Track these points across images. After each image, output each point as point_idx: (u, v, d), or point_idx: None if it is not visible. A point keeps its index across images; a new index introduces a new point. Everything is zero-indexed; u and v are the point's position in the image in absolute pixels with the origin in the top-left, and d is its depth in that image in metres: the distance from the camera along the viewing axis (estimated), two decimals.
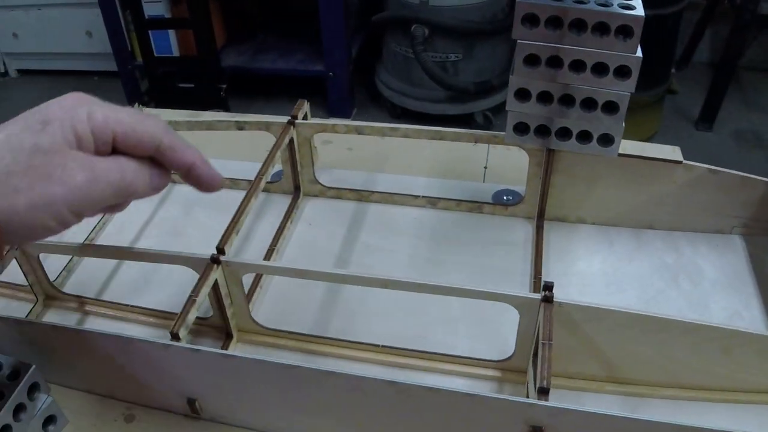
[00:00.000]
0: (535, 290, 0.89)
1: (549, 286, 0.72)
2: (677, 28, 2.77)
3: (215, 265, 0.80)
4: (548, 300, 0.72)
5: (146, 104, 3.58)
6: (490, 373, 0.82)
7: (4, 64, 4.25)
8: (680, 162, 0.90)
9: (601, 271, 0.93)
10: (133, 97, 3.72)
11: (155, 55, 3.29)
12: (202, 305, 0.81)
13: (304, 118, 1.04)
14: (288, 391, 0.73)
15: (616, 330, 0.74)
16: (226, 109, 3.33)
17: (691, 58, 3.39)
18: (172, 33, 3.27)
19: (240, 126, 1.03)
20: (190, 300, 0.77)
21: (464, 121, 3.20)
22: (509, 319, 0.76)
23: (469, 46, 2.97)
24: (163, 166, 0.68)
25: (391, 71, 3.26)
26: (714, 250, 0.95)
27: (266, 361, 0.70)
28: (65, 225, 0.60)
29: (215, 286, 0.81)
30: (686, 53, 3.37)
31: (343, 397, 0.71)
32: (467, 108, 3.13)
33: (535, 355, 0.72)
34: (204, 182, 0.70)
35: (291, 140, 1.00)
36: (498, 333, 0.85)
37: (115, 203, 0.64)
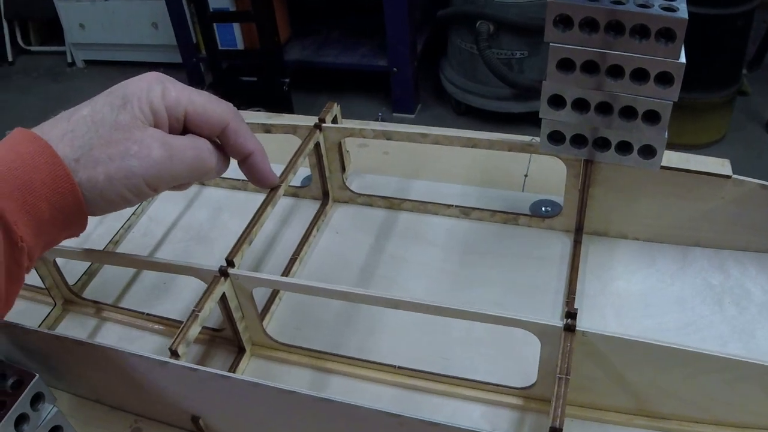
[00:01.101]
0: (568, 311, 0.84)
1: (572, 314, 0.66)
2: (748, 27, 2.66)
3: (223, 278, 0.76)
4: (570, 329, 0.66)
5: None
6: (512, 401, 0.77)
7: (72, 54, 4.31)
8: (729, 177, 0.84)
9: (641, 292, 0.87)
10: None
11: (219, 47, 3.30)
12: (217, 316, 0.78)
13: (334, 120, 0.99)
14: (288, 414, 0.69)
15: (645, 362, 0.68)
16: (289, 104, 3.32)
17: (764, 58, 3.27)
18: (236, 26, 3.27)
19: (267, 129, 0.99)
20: (193, 315, 0.73)
21: (529, 119, 3.14)
22: (534, 343, 0.70)
23: (535, 44, 2.91)
24: (224, 151, 0.72)
25: (456, 68, 3.22)
26: (764, 271, 0.88)
27: (262, 384, 0.65)
28: (141, 197, 0.64)
29: (223, 299, 0.78)
30: (758, 54, 3.25)
31: (341, 424, 0.66)
32: (532, 106, 3.07)
33: None
34: (258, 175, 0.76)
35: (317, 144, 0.96)
36: (522, 357, 0.80)
37: (187, 181, 0.69)
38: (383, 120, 3.28)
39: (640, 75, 0.74)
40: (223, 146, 0.73)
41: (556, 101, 0.80)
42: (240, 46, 3.33)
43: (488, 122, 3.17)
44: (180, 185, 0.73)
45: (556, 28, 0.74)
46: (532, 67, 2.98)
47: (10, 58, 4.49)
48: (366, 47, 3.45)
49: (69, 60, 4.36)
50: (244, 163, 0.75)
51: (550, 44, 0.76)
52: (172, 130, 0.67)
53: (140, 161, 0.62)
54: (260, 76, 3.31)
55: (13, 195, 0.56)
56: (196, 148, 0.67)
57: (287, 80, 3.30)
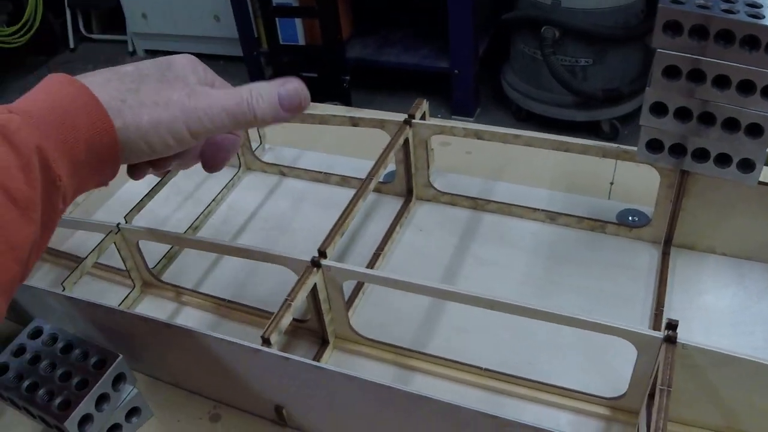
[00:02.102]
0: (656, 324, 0.82)
1: (673, 325, 0.65)
2: None
3: (315, 269, 0.76)
4: (671, 340, 0.65)
5: None
6: (599, 410, 0.76)
7: (133, 43, 4.34)
8: None
9: (729, 308, 0.85)
10: None
11: (281, 42, 3.30)
12: (301, 307, 0.78)
13: (422, 118, 0.98)
14: (378, 410, 0.69)
15: (742, 379, 0.67)
16: (348, 101, 3.32)
17: None
18: (298, 21, 3.27)
19: (354, 122, 0.99)
20: (286, 304, 0.73)
21: (590, 128, 3.11)
22: (625, 353, 0.69)
23: (601, 52, 2.88)
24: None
25: (518, 72, 3.19)
26: None
27: (357, 377, 0.65)
28: (182, 144, 0.64)
29: (314, 290, 0.77)
30: None
31: (436, 423, 0.66)
32: (594, 115, 3.04)
33: (651, 397, 0.66)
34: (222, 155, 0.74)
35: (406, 141, 0.95)
36: (611, 366, 0.79)
37: (236, 127, 0.67)
38: None
39: (746, 87, 0.73)
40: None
41: (658, 109, 0.78)
42: (301, 41, 3.33)
43: (549, 129, 3.13)
44: (226, 141, 0.74)
45: (664, 33, 0.73)
46: (597, 76, 2.95)
47: (72, 45, 4.53)
48: (427, 48, 3.43)
49: (130, 49, 4.39)
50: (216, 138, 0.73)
51: (657, 50, 0.74)
52: None
53: (182, 107, 0.62)
54: (321, 72, 3.31)
55: (52, 134, 0.57)
56: (238, 97, 0.65)
57: (347, 77, 3.30)
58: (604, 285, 0.90)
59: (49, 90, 0.59)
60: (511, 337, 0.84)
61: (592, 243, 0.96)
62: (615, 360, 0.78)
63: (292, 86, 0.67)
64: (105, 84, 0.61)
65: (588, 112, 3.03)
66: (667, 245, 0.92)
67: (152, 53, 4.34)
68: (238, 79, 3.79)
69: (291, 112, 0.67)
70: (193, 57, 0.68)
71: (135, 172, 0.71)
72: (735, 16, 0.70)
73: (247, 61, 3.73)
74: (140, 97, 0.61)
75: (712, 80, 0.74)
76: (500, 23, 3.14)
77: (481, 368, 0.79)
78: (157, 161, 0.69)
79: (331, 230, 0.79)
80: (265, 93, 0.65)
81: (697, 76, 0.74)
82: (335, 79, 3.30)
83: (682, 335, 0.65)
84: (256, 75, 3.73)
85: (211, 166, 0.74)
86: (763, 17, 0.70)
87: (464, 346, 0.84)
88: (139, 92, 0.61)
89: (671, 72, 0.75)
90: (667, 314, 0.84)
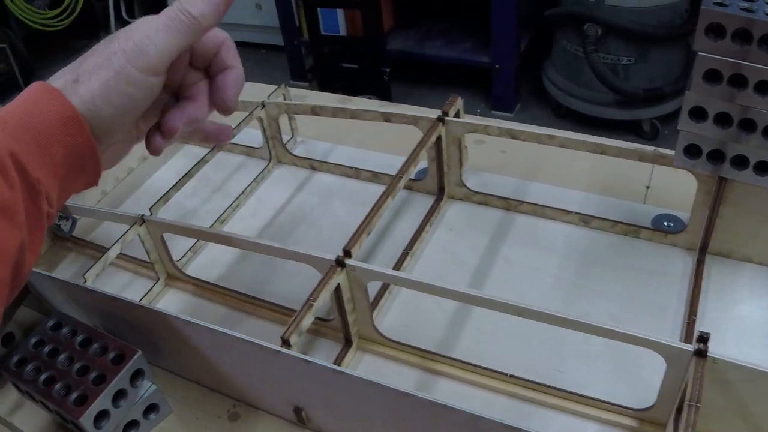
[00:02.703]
0: (688, 333, 0.80)
1: (704, 338, 0.63)
2: None
3: (339, 269, 0.75)
4: (702, 354, 0.63)
5: (309, 81, 3.63)
6: (626, 422, 0.74)
7: None
8: None
9: (765, 319, 0.83)
10: (296, 73, 3.74)
11: (322, 33, 3.29)
12: (325, 305, 0.76)
13: (456, 115, 0.97)
14: (399, 416, 0.68)
15: None
16: (387, 94, 3.30)
17: None
18: (340, 12, 3.25)
19: (387, 118, 0.97)
20: (307, 304, 0.72)
21: (630, 127, 3.07)
22: (655, 363, 0.67)
23: (643, 51, 2.84)
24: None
25: (559, 69, 3.17)
26: None
27: (378, 383, 0.64)
28: (142, 86, 0.61)
29: (337, 290, 0.76)
30: None
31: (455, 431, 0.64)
32: (635, 114, 3.01)
33: (679, 411, 0.64)
34: (225, 94, 0.68)
35: (439, 138, 0.94)
36: (640, 377, 0.77)
37: (186, 44, 0.63)
38: (481, 116, 3.25)
39: None
40: (211, 67, 0.68)
41: (698, 113, 0.76)
42: (343, 32, 3.31)
43: (589, 127, 3.12)
44: (194, 63, 0.69)
45: (707, 36, 0.71)
46: (639, 75, 2.92)
47: (113, 29, 4.54)
48: (469, 42, 3.41)
49: None
50: (216, 76, 0.69)
51: (698, 53, 0.72)
52: None
53: (122, 50, 0.60)
54: (361, 63, 3.31)
55: (26, 139, 0.56)
56: (172, 10, 0.62)
57: (388, 70, 3.29)
58: (636, 291, 0.88)
59: (26, 98, 0.59)
60: (539, 343, 0.82)
61: (625, 248, 0.94)
62: (644, 370, 0.76)
63: None
64: (62, 75, 0.60)
65: (629, 111, 3.00)
66: (702, 253, 0.90)
67: None
68: (279, 68, 3.80)
69: (226, 5, 0.64)
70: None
71: (147, 142, 0.68)
72: None
73: (287, 51, 3.73)
74: (86, 68, 0.60)
75: (754, 86, 0.71)
76: (543, 19, 3.11)
77: (507, 375, 0.78)
78: (162, 125, 0.67)
79: (357, 229, 0.78)
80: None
81: (738, 81, 0.72)
82: (375, 71, 3.29)
83: (715, 346, 0.64)
84: (297, 64, 3.73)
85: (220, 103, 0.69)
86: None
87: (491, 350, 0.82)
88: (83, 64, 0.60)
89: (712, 76, 0.73)
90: (700, 324, 0.82)
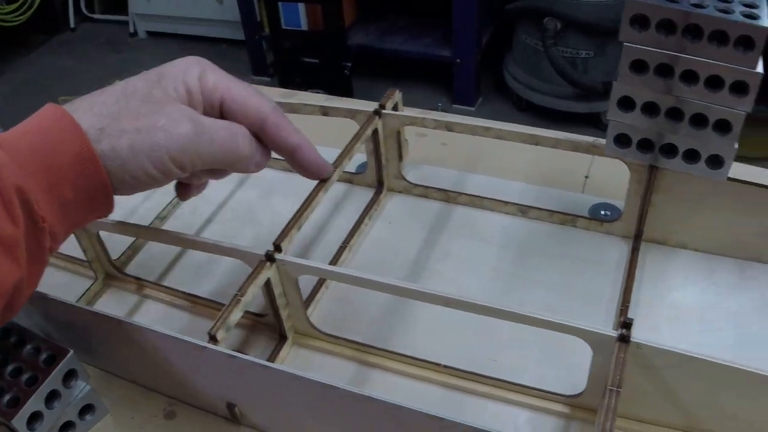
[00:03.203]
0: (621, 320, 0.81)
1: (627, 324, 0.64)
2: None
3: (269, 263, 0.75)
4: (625, 340, 0.64)
5: (271, 76, 3.62)
6: (558, 408, 0.75)
7: (134, 24, 4.35)
8: None
9: (697, 304, 0.84)
10: (258, 67, 3.74)
11: (283, 27, 3.30)
12: (261, 300, 0.77)
13: (395, 108, 0.97)
14: (326, 409, 0.68)
15: (700, 379, 0.65)
16: (349, 89, 3.31)
17: None
18: (301, 6, 3.26)
19: (324, 112, 0.97)
20: (235, 299, 0.72)
21: (590, 120, 3.10)
22: (584, 351, 0.68)
23: (602, 44, 2.87)
24: (266, 145, 0.71)
25: (520, 63, 3.19)
26: None
27: (302, 377, 0.64)
28: (168, 174, 0.62)
29: (268, 285, 0.76)
30: None
31: (383, 423, 0.65)
32: (594, 107, 3.03)
33: None
34: (309, 168, 0.75)
35: (375, 131, 0.94)
36: (573, 364, 0.77)
37: (219, 166, 0.66)
38: (443, 111, 3.25)
39: (714, 82, 0.71)
40: (266, 142, 0.71)
41: (626, 103, 0.77)
42: (304, 26, 3.31)
43: (549, 120, 3.14)
44: (215, 172, 0.72)
45: (632, 27, 0.71)
46: (597, 68, 2.94)
47: (72, 25, 4.53)
48: (430, 37, 3.42)
49: (131, 30, 4.39)
50: (291, 158, 0.73)
51: (624, 44, 0.73)
52: (206, 115, 0.66)
53: (166, 134, 0.60)
54: (322, 58, 3.31)
55: (36, 174, 0.55)
56: (229, 130, 0.65)
57: (349, 64, 3.29)
58: (572, 280, 0.89)
59: (39, 124, 0.57)
60: (474, 333, 0.83)
61: (562, 237, 0.94)
62: (576, 358, 0.76)
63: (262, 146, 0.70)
64: (90, 109, 0.59)
65: (588, 104, 3.03)
66: (637, 240, 0.91)
67: (153, 35, 4.34)
68: (240, 63, 3.79)
69: (258, 167, 0.72)
70: (192, 60, 0.66)
71: (178, 190, 0.73)
72: (704, 10, 0.68)
73: (248, 45, 3.73)
74: (121, 124, 0.59)
75: (680, 75, 0.72)
76: (503, 14, 3.13)
77: (440, 365, 0.78)
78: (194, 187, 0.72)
79: (288, 224, 0.78)
80: (249, 138, 0.67)
81: (665, 71, 0.73)
82: (336, 66, 3.30)
83: (649, 333, 0.65)
84: (258, 59, 3.73)
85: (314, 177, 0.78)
86: (733, 12, 0.68)
87: (426, 342, 0.83)
88: (119, 118, 0.59)
89: (639, 66, 0.74)
90: (634, 310, 0.83)
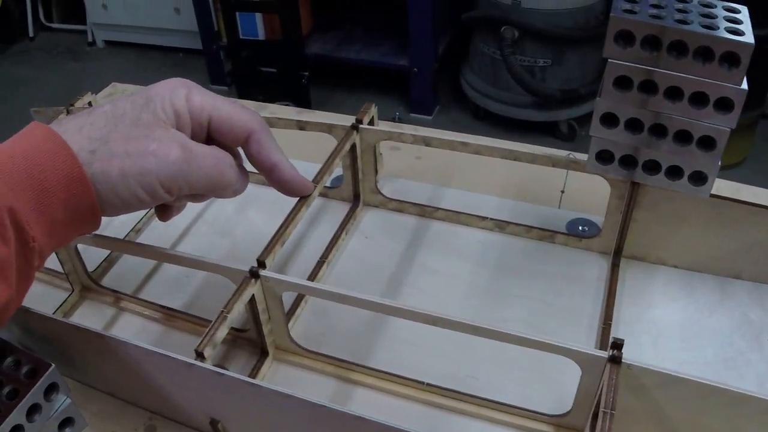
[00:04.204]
0: (603, 338, 0.81)
1: (618, 345, 0.63)
2: None
3: (253, 280, 0.73)
4: (616, 361, 0.63)
5: (228, 85, 3.60)
6: (543, 428, 0.74)
7: (93, 34, 4.31)
8: None
9: (679, 322, 0.84)
10: (215, 77, 3.72)
11: (240, 37, 3.27)
12: (241, 316, 0.75)
13: (371, 122, 0.96)
14: (312, 426, 0.67)
15: (689, 399, 0.65)
16: (307, 98, 3.29)
17: None
18: (258, 16, 3.24)
19: (301, 126, 0.96)
20: (221, 316, 0.70)
21: (548, 128, 3.11)
22: (570, 369, 0.67)
23: (559, 53, 2.88)
24: (245, 170, 0.71)
25: (477, 72, 3.19)
26: None
27: (290, 395, 0.62)
28: (156, 198, 0.62)
29: (252, 301, 0.75)
30: None
31: None
32: (552, 116, 3.04)
33: (595, 417, 0.64)
34: (287, 186, 0.74)
35: (353, 146, 0.93)
36: (557, 382, 0.77)
37: (203, 192, 0.67)
38: (400, 120, 3.26)
39: (699, 99, 0.71)
40: (247, 157, 0.72)
41: (609, 120, 0.77)
42: (261, 36, 3.29)
43: (507, 129, 3.15)
44: (196, 196, 0.72)
45: (616, 43, 0.71)
46: (555, 76, 2.95)
47: (31, 34, 4.48)
48: (387, 45, 3.42)
49: (89, 39, 4.34)
50: (269, 175, 0.73)
51: (609, 60, 0.72)
52: (194, 136, 0.66)
53: (157, 160, 0.60)
54: (280, 67, 3.29)
55: (27, 195, 0.55)
56: (216, 158, 0.66)
57: (306, 73, 3.28)
58: (551, 297, 0.88)
59: (28, 144, 0.56)
60: (456, 351, 0.82)
61: (540, 253, 0.94)
62: (560, 376, 0.76)
63: (243, 172, 0.72)
64: (79, 130, 0.59)
65: (546, 112, 3.04)
66: (616, 257, 0.90)
67: (112, 44, 4.30)
68: (197, 72, 3.76)
69: (236, 193, 0.72)
70: (178, 82, 0.66)
71: (159, 212, 0.73)
72: (689, 26, 0.68)
73: (206, 55, 3.71)
74: (111, 147, 0.59)
75: (664, 92, 0.72)
76: (460, 22, 3.13)
77: (423, 383, 0.77)
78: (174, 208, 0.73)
79: (272, 240, 0.77)
80: (232, 166, 0.68)
81: (649, 87, 0.73)
82: (294, 76, 3.28)
83: (631, 351, 0.64)
84: (215, 69, 3.70)
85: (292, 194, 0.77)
86: (718, 28, 0.68)
87: (407, 359, 0.81)
88: (109, 142, 0.59)
89: (623, 83, 0.73)
90: (615, 328, 0.82)
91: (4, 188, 0.53)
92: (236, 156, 0.71)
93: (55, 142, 0.57)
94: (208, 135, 0.68)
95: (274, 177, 0.73)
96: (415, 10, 3.07)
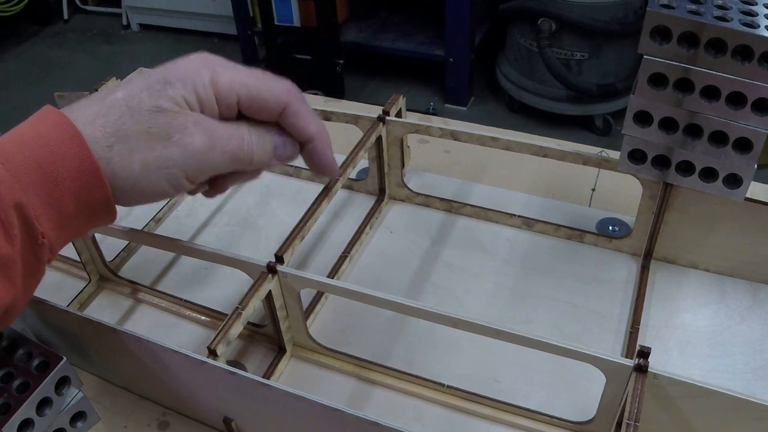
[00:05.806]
0: (630, 343, 0.78)
1: (645, 353, 0.61)
2: None
3: (270, 275, 0.72)
4: (642, 370, 0.61)
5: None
6: None
7: (127, 17, 4.30)
8: None
9: (709, 328, 0.81)
10: (249, 63, 3.69)
11: (275, 23, 3.25)
12: (259, 311, 0.74)
13: (398, 114, 0.94)
14: (326, 430, 0.65)
15: (716, 411, 0.63)
16: (341, 86, 3.27)
17: None
18: (294, 2, 3.22)
19: (327, 117, 0.94)
20: (236, 312, 0.69)
21: (583, 122, 3.07)
22: (594, 375, 0.65)
23: (596, 46, 2.84)
24: (291, 136, 0.65)
25: (513, 64, 3.15)
26: None
27: (305, 397, 0.61)
28: (179, 189, 0.59)
29: (269, 297, 0.73)
30: None
31: None
32: (588, 110, 3.00)
33: (618, 426, 0.62)
34: (318, 162, 0.68)
35: (379, 138, 0.91)
36: (579, 388, 0.75)
37: (232, 171, 0.62)
38: (435, 110, 3.23)
39: (736, 99, 0.68)
40: (286, 129, 0.65)
41: (643, 118, 0.74)
42: (296, 23, 3.27)
43: (541, 122, 3.11)
44: (237, 176, 0.67)
45: (652, 39, 0.69)
46: (591, 70, 2.91)
47: (65, 16, 4.49)
48: (423, 35, 3.39)
49: (124, 22, 4.34)
50: (304, 148, 0.67)
51: (644, 57, 0.70)
52: (223, 116, 0.61)
53: (181, 149, 0.57)
54: (314, 55, 3.27)
55: (36, 187, 0.52)
56: (239, 138, 0.61)
57: (341, 62, 3.26)
58: (578, 298, 0.86)
59: (39, 131, 0.53)
60: (477, 353, 0.80)
61: (569, 253, 0.91)
62: (584, 382, 0.74)
63: (288, 137, 0.65)
64: (92, 122, 0.55)
65: (581, 106, 3.00)
66: (647, 259, 0.88)
67: (146, 28, 4.30)
68: (231, 58, 3.74)
69: (281, 160, 0.65)
70: (200, 61, 0.61)
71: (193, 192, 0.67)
72: (728, 24, 0.65)
73: (240, 40, 3.69)
74: (130, 141, 0.55)
75: (700, 91, 0.69)
76: (497, 13, 3.10)
77: (443, 385, 0.75)
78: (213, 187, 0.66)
79: (291, 234, 0.75)
80: (263, 139, 0.63)
81: (685, 85, 0.70)
82: (329, 63, 3.25)
83: (657, 357, 0.62)
84: (250, 55, 3.69)
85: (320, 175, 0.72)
86: (758, 26, 0.65)
87: (427, 359, 0.80)
88: (128, 135, 0.55)
89: (658, 80, 0.71)
90: (643, 333, 0.80)
91: (11, 181, 0.51)
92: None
93: (66, 130, 0.54)
94: (240, 112, 0.63)
95: (309, 150, 0.67)
96: (452, 1, 3.04)
